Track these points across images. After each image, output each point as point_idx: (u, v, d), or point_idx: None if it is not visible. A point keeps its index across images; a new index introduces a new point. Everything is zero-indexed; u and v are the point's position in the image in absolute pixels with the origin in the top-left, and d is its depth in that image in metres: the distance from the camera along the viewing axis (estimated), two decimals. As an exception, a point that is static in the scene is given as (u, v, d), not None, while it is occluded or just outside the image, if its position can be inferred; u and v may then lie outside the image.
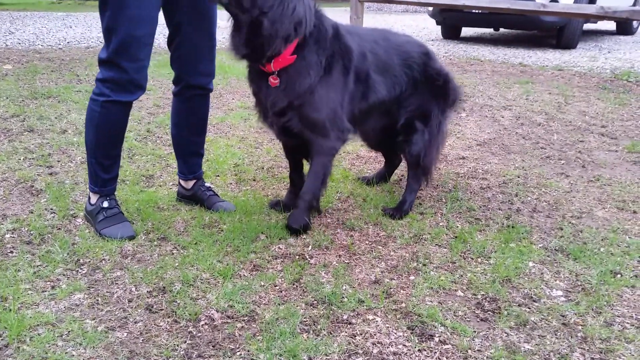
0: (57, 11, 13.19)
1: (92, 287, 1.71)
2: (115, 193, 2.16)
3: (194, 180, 2.34)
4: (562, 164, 3.03)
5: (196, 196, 2.33)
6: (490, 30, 9.55)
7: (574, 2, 7.02)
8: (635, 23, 9.16)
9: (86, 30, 8.78)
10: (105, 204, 2.06)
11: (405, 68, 2.28)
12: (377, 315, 1.61)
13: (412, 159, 2.36)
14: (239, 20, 1.89)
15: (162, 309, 1.59)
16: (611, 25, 9.79)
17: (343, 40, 2.09)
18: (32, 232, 2.03)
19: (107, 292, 1.68)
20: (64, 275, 1.77)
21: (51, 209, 2.24)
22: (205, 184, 2.36)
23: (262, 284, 1.74)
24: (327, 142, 2.09)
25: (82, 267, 1.82)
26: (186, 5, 2.01)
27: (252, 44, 1.89)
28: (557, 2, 6.92)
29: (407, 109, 2.32)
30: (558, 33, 7.54)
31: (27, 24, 9.41)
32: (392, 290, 1.74)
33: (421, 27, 10.55)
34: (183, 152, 2.31)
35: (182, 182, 2.35)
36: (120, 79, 1.90)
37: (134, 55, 1.87)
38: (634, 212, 2.41)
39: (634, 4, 8.85)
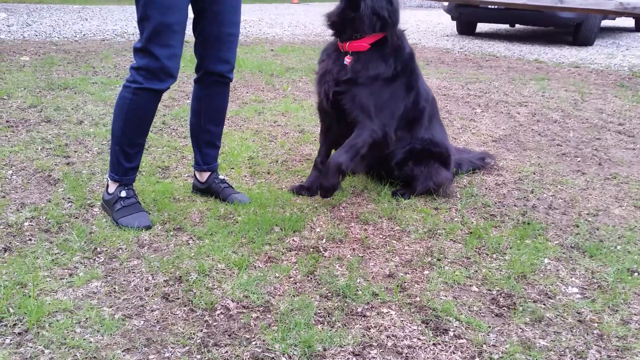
0: (72, 4, 13.28)
1: (109, 276, 1.73)
2: (133, 184, 2.18)
3: (209, 173, 2.35)
4: (578, 161, 3.00)
5: (211, 189, 2.34)
6: (505, 26, 9.46)
7: (592, -2, 6.92)
8: (654, 20, 9.02)
9: (102, 22, 8.84)
10: (123, 194, 2.09)
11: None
12: (392, 309, 1.61)
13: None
14: None
15: (178, 298, 1.61)
16: (630, 22, 9.65)
17: (414, 64, 2.37)
18: (50, 220, 2.06)
19: (124, 280, 1.70)
20: (81, 263, 1.79)
21: (68, 198, 2.26)
22: (220, 177, 2.37)
23: (277, 275, 1.75)
24: (372, 124, 2.25)
25: (99, 255, 1.84)
26: None
27: (344, 18, 2.20)
28: (575, -2, 6.83)
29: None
30: (575, 30, 7.45)
31: (43, 17, 9.50)
32: (406, 284, 1.74)
33: (436, 23, 10.48)
34: (199, 141, 2.33)
35: (197, 175, 2.37)
36: (152, 66, 1.95)
37: (165, 42, 1.93)
38: (652, 210, 2.39)
39: (654, 1, 8.71)
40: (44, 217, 2.08)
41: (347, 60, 2.24)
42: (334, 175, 2.25)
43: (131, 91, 1.99)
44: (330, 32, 2.32)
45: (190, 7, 2.04)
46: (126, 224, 2.02)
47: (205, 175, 2.35)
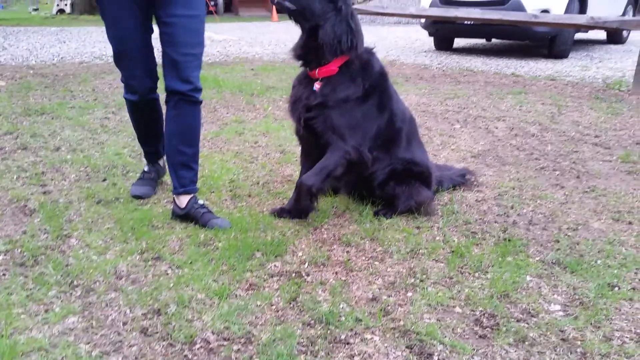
0: (50, 26, 13.20)
1: (86, 310, 1.68)
2: (160, 161, 2.72)
3: (188, 198, 2.32)
4: (557, 174, 3.04)
5: (190, 214, 2.31)
6: (482, 41, 9.63)
7: (565, 13, 7.09)
8: (625, 32, 9.26)
9: (80, 45, 8.79)
10: (146, 168, 2.68)
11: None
12: (375, 335, 1.59)
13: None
14: (302, 28, 2.24)
15: (157, 332, 1.57)
16: (602, 35, 9.89)
17: (387, 83, 2.37)
18: (25, 253, 2.01)
19: (101, 314, 1.66)
20: (57, 297, 1.74)
21: (45, 229, 2.22)
22: (199, 202, 2.35)
23: (259, 303, 1.73)
24: (344, 145, 2.26)
25: (75, 289, 1.80)
26: (163, 16, 2.18)
27: (307, 49, 2.23)
28: (548, 12, 6.99)
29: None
30: (550, 43, 7.60)
31: (20, 40, 9.42)
32: (389, 307, 1.73)
33: (414, 39, 10.62)
34: (172, 162, 2.35)
35: (176, 200, 2.34)
36: (123, 82, 2.40)
37: (124, 66, 2.32)
38: (630, 222, 2.42)
39: (624, 14, 8.96)
40: (19, 250, 2.03)
41: (317, 86, 2.25)
42: (305, 198, 2.27)
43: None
44: (299, 63, 2.33)
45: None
46: (131, 192, 2.59)
47: (185, 200, 2.32)
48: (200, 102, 2.32)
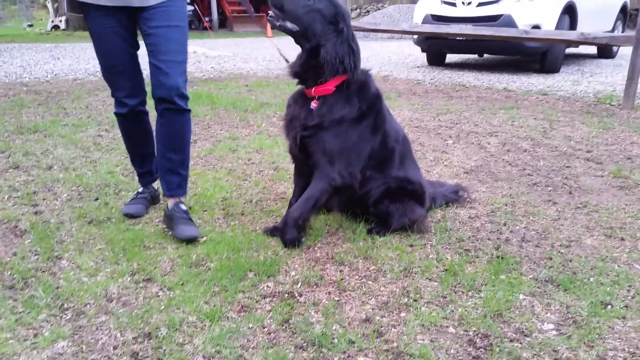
0: (45, 42, 13.24)
1: (76, 334, 1.66)
2: (154, 184, 2.72)
3: (174, 200, 2.45)
4: (549, 190, 3.05)
5: (171, 217, 2.41)
6: (474, 56, 9.72)
7: (556, 28, 7.18)
8: (615, 47, 9.37)
9: (74, 62, 8.81)
10: (140, 189, 2.70)
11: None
12: (369, 357, 1.58)
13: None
14: (303, 47, 2.25)
15: (147, 357, 1.55)
16: (592, 49, 10.01)
17: (381, 105, 2.38)
18: (14, 275, 1.99)
19: (91, 338, 1.64)
20: (47, 321, 1.72)
21: (35, 251, 2.20)
22: (182, 207, 2.44)
23: (251, 325, 1.71)
24: (331, 171, 2.27)
25: (66, 312, 1.78)
26: (146, 29, 2.28)
27: (306, 67, 2.25)
28: (539, 28, 7.08)
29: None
30: (541, 58, 7.67)
31: (14, 56, 9.43)
32: (383, 328, 1.72)
33: (407, 54, 10.71)
34: (161, 167, 2.46)
35: (167, 202, 2.49)
36: (112, 95, 2.47)
37: (111, 79, 2.42)
38: (622, 239, 2.42)
39: (613, 29, 9.08)
40: (9, 273, 2.01)
41: (314, 105, 2.26)
42: (292, 231, 2.29)
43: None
44: (296, 80, 2.34)
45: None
46: (123, 211, 2.58)
47: (172, 202, 2.45)
48: (188, 111, 2.39)
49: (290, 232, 2.28)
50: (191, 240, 2.29)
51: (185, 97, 2.35)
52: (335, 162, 2.26)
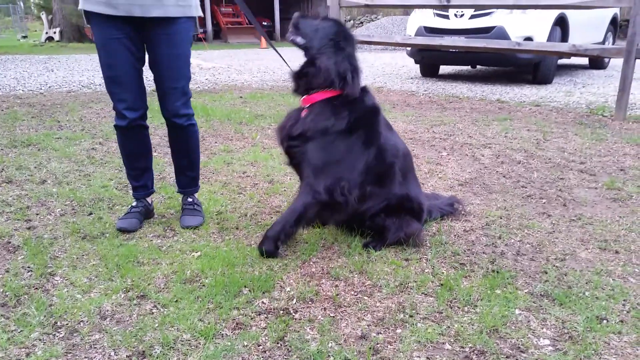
0: (39, 54, 13.23)
1: (70, 352, 1.64)
2: (149, 199, 2.74)
3: (183, 195, 2.79)
4: (544, 203, 3.06)
5: (181, 209, 2.77)
6: (467, 68, 9.79)
7: (547, 40, 7.25)
8: (606, 58, 9.47)
9: (68, 73, 8.80)
10: (134, 203, 2.69)
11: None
12: (364, 374, 1.57)
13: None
14: (305, 57, 2.39)
15: (141, 376, 1.54)
16: (584, 60, 10.12)
17: (376, 120, 2.39)
18: (7, 293, 1.97)
19: (85, 357, 1.62)
20: (40, 340, 1.70)
21: (28, 267, 2.18)
22: (189, 199, 2.76)
23: (245, 343, 1.70)
24: (316, 185, 2.26)
25: (59, 330, 1.76)
26: (150, 54, 2.45)
27: (301, 75, 2.36)
28: (532, 40, 7.14)
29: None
30: (534, 69, 7.75)
31: (8, 68, 9.42)
32: (379, 345, 1.71)
33: (400, 65, 10.78)
34: (175, 167, 2.77)
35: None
36: (114, 107, 2.48)
37: (112, 90, 2.43)
38: (616, 252, 2.43)
39: (604, 40, 9.18)
40: (1, 290, 1.99)
41: (303, 114, 2.33)
42: (270, 244, 2.31)
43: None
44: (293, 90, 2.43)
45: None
46: (117, 225, 2.56)
47: (183, 196, 2.80)
48: (190, 125, 2.59)
49: (267, 244, 2.30)
50: (191, 228, 2.61)
51: (184, 116, 2.54)
52: (321, 175, 2.27)
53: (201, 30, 18.03)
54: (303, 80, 2.36)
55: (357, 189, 2.34)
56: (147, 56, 2.46)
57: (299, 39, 2.37)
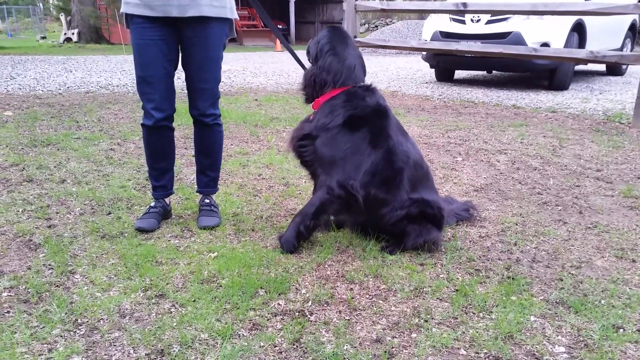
0: (57, 55, 13.44)
1: (90, 350, 1.68)
2: (167, 199, 2.78)
3: (202, 196, 2.84)
4: (560, 210, 3.05)
5: (199, 209, 2.81)
6: (483, 73, 9.75)
7: (564, 46, 7.20)
8: (624, 65, 9.37)
9: (86, 74, 8.93)
10: (153, 204, 2.73)
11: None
12: (379, 378, 1.58)
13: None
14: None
15: (160, 374, 1.57)
16: (601, 67, 10.02)
17: (384, 120, 2.41)
18: (29, 290, 2.01)
19: (105, 354, 1.66)
20: (61, 336, 1.74)
21: (49, 265, 2.22)
22: (206, 200, 2.80)
23: (262, 344, 1.72)
24: (329, 180, 2.33)
25: (80, 327, 1.80)
26: (183, 55, 2.55)
27: (306, 86, 2.49)
28: (548, 46, 7.10)
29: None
30: (550, 75, 7.70)
31: (28, 69, 9.58)
32: (394, 349, 1.72)
33: (415, 69, 10.77)
34: (196, 167, 2.84)
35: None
36: (143, 107, 2.55)
37: (143, 90, 2.50)
38: (633, 260, 2.42)
39: (622, 46, 9.09)
40: (24, 287, 2.04)
41: (311, 117, 2.46)
42: (292, 235, 2.40)
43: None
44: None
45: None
46: (135, 225, 2.60)
47: (201, 197, 2.84)
48: (216, 124, 2.70)
49: (291, 236, 2.39)
50: (208, 229, 2.65)
51: (211, 115, 2.65)
52: (331, 170, 2.34)
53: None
54: (308, 89, 2.48)
55: (362, 189, 2.33)
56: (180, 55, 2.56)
57: (307, 57, 2.55)
